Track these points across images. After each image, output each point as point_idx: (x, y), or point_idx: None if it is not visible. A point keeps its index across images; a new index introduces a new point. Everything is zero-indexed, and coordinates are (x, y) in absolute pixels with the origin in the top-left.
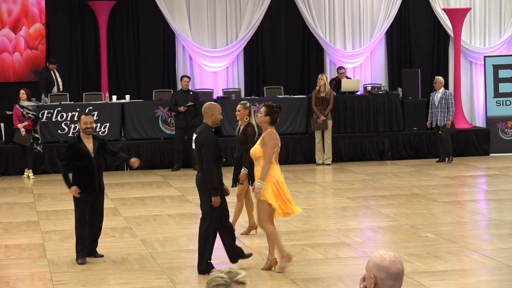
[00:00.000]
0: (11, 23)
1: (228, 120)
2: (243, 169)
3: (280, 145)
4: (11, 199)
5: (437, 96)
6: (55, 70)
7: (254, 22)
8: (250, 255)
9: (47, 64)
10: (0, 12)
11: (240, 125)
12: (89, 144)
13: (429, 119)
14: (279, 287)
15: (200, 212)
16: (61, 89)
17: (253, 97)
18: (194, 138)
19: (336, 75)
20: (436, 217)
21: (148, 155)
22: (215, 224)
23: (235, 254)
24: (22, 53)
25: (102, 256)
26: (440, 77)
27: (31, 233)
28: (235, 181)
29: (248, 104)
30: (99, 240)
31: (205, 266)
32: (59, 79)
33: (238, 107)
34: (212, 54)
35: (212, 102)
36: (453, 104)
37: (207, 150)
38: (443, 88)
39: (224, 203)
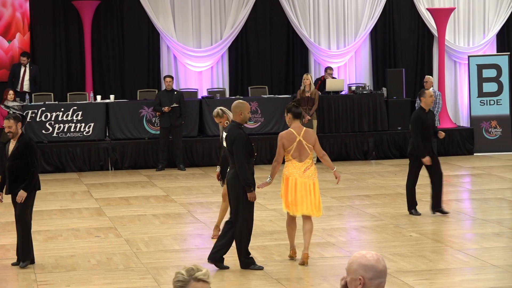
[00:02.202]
0: (2, 28)
1: (212, 120)
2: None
3: (298, 142)
4: None
5: None
6: (26, 66)
7: (239, 22)
8: (227, 267)
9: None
10: None
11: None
12: (11, 146)
13: None
14: (264, 286)
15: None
16: (24, 89)
17: (237, 96)
18: (224, 136)
19: (321, 75)
20: (420, 216)
21: (133, 155)
22: (247, 220)
23: (216, 256)
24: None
25: (16, 264)
26: (431, 77)
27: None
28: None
29: (220, 111)
30: (83, 240)
31: (244, 261)
32: (26, 76)
33: (216, 119)
34: (197, 54)
35: (241, 101)
36: (440, 104)
37: (238, 147)
38: (432, 87)
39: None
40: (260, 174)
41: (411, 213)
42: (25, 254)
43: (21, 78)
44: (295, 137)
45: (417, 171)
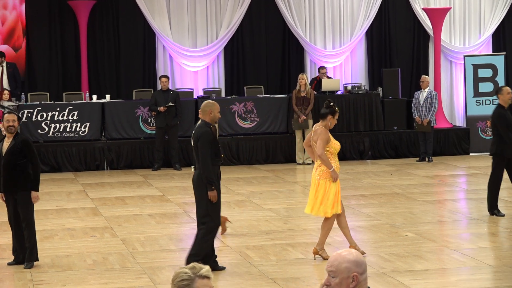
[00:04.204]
0: (5, 33)
1: None
2: None
3: (314, 139)
4: None
5: (422, 95)
6: (3, 66)
7: (235, 21)
8: (223, 268)
9: None
10: None
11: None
12: (6, 143)
13: (416, 115)
14: (260, 286)
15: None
16: (4, 86)
17: (233, 96)
18: (192, 134)
19: (317, 74)
20: (416, 216)
21: (129, 155)
22: (214, 223)
23: (209, 262)
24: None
25: (26, 268)
26: (427, 77)
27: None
28: None
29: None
30: (79, 240)
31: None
32: (4, 76)
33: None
34: (193, 54)
35: (211, 101)
36: (437, 104)
37: (203, 145)
38: (428, 87)
39: (218, 203)
40: (256, 173)
41: (493, 214)
42: (31, 255)
43: None
44: (310, 136)
45: (501, 172)
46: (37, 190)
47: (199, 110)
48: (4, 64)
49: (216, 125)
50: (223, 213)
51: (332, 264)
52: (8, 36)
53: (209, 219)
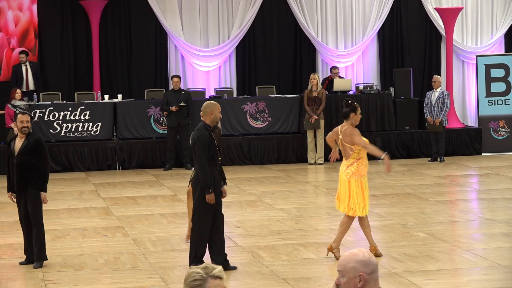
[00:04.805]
0: (19, 34)
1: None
2: None
3: (339, 140)
4: (2, 199)
5: (434, 95)
6: (27, 65)
7: (246, 21)
8: (234, 268)
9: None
10: (5, 22)
11: None
12: (18, 143)
13: (428, 115)
14: (271, 286)
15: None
16: (30, 87)
17: (245, 96)
18: (191, 136)
19: (329, 74)
20: (428, 216)
21: (140, 155)
22: (205, 221)
23: (219, 260)
24: None
25: (36, 267)
26: (439, 76)
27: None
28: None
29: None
30: (91, 239)
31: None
32: (29, 75)
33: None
34: (204, 54)
35: (212, 101)
36: (449, 104)
37: (199, 147)
38: (440, 87)
39: (217, 204)
40: (268, 173)
41: None
42: (41, 255)
43: (24, 78)
44: (337, 134)
45: None
46: (45, 190)
47: (200, 111)
48: (28, 63)
49: (219, 126)
50: (234, 213)
51: (340, 264)
52: (22, 37)
53: (196, 221)
